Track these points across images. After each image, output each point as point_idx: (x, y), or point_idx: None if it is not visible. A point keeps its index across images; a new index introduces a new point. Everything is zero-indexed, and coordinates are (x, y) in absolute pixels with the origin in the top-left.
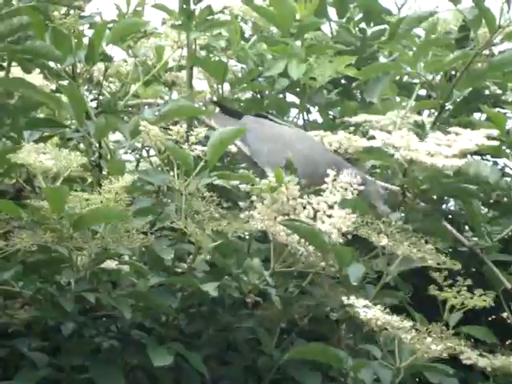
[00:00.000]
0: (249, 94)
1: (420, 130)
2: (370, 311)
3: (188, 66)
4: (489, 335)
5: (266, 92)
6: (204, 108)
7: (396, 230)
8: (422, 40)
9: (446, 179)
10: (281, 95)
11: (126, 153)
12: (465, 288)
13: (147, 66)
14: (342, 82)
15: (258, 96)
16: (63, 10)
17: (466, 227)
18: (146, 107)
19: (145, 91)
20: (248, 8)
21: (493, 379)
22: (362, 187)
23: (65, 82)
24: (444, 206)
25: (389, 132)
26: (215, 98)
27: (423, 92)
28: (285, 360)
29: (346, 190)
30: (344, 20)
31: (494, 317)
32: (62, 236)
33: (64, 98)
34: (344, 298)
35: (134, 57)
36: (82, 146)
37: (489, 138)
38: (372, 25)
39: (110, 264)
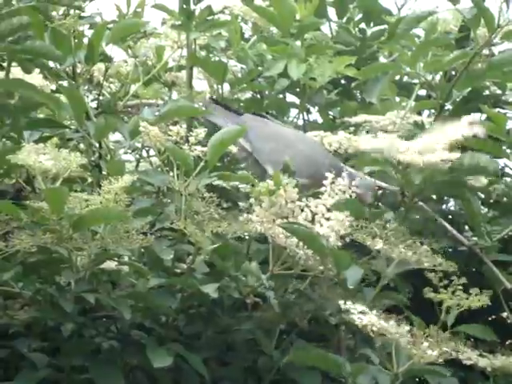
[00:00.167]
0: (249, 94)
1: (419, 130)
2: (365, 317)
3: (188, 66)
4: (488, 333)
5: (266, 92)
6: (204, 108)
7: (391, 233)
8: (421, 40)
9: (443, 176)
10: (281, 95)
11: (125, 153)
12: (460, 288)
13: (147, 67)
14: (342, 82)
15: (258, 96)
16: (63, 10)
17: (466, 227)
18: (146, 107)
19: (145, 91)
20: (248, 8)
21: (493, 379)
22: (358, 190)
23: (65, 83)
24: (444, 206)
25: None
26: (215, 97)
27: (423, 92)
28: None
29: (344, 192)
30: (344, 20)
31: (493, 317)
32: (61, 237)
33: (64, 99)
34: (341, 303)
35: (134, 57)
36: (81, 146)
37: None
38: (372, 25)
39: (110, 264)
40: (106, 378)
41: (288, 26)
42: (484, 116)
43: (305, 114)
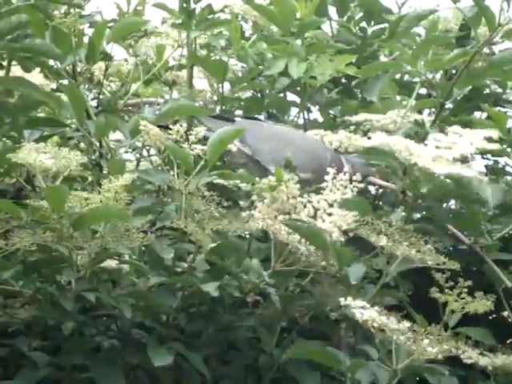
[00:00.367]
0: (249, 93)
1: (420, 129)
2: (366, 312)
3: (188, 65)
4: (487, 336)
5: (267, 91)
6: (204, 107)
7: (396, 231)
8: (422, 39)
9: (448, 185)
10: (281, 94)
11: (126, 152)
12: (465, 290)
13: (147, 65)
14: (343, 80)
15: (259, 95)
16: (63, 8)
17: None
18: (147, 106)
19: (145, 90)
20: (248, 7)
21: (493, 378)
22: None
23: (65, 81)
24: (444, 205)
25: (388, 132)
26: (215, 98)
27: (423, 91)
28: (285, 359)
29: (345, 187)
30: (344, 19)
31: (494, 316)
32: (61, 235)
33: (64, 97)
34: (341, 299)
35: (135, 56)
36: (82, 145)
37: (490, 140)
38: (372, 24)
39: (110, 263)
40: (106, 377)
41: (288, 24)
42: (484, 115)
43: (305, 112)
